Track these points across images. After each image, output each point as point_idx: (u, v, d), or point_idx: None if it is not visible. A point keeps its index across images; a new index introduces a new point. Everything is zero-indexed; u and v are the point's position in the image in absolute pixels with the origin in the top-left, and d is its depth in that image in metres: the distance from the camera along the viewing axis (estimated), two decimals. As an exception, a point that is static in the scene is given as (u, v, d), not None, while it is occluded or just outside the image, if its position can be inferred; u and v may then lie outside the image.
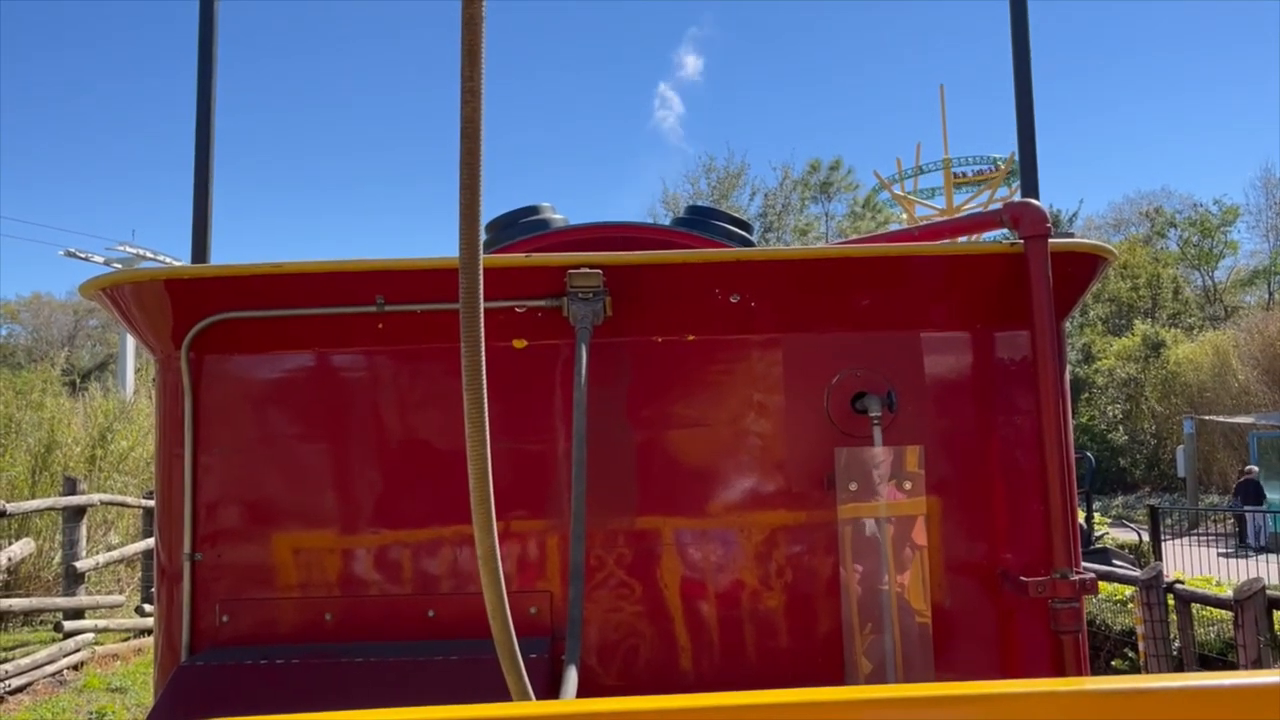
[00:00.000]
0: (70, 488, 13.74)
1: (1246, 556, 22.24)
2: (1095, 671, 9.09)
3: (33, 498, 15.60)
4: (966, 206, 36.17)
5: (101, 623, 13.64)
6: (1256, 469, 30.58)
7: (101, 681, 12.07)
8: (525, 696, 2.12)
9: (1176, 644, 9.29)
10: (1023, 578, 3.15)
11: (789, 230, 51.15)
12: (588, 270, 3.19)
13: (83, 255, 43.54)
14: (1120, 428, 45.35)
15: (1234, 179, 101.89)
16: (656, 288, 3.29)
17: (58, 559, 14.94)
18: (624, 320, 3.29)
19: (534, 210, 4.94)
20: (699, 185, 50.11)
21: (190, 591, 3.31)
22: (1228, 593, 8.88)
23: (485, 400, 1.93)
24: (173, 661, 3.28)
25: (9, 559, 12.52)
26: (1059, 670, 3.14)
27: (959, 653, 3.30)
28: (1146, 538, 18.83)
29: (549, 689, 2.96)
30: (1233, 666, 8.72)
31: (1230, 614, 8.52)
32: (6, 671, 11.15)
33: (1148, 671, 9.14)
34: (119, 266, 38.78)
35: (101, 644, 13.45)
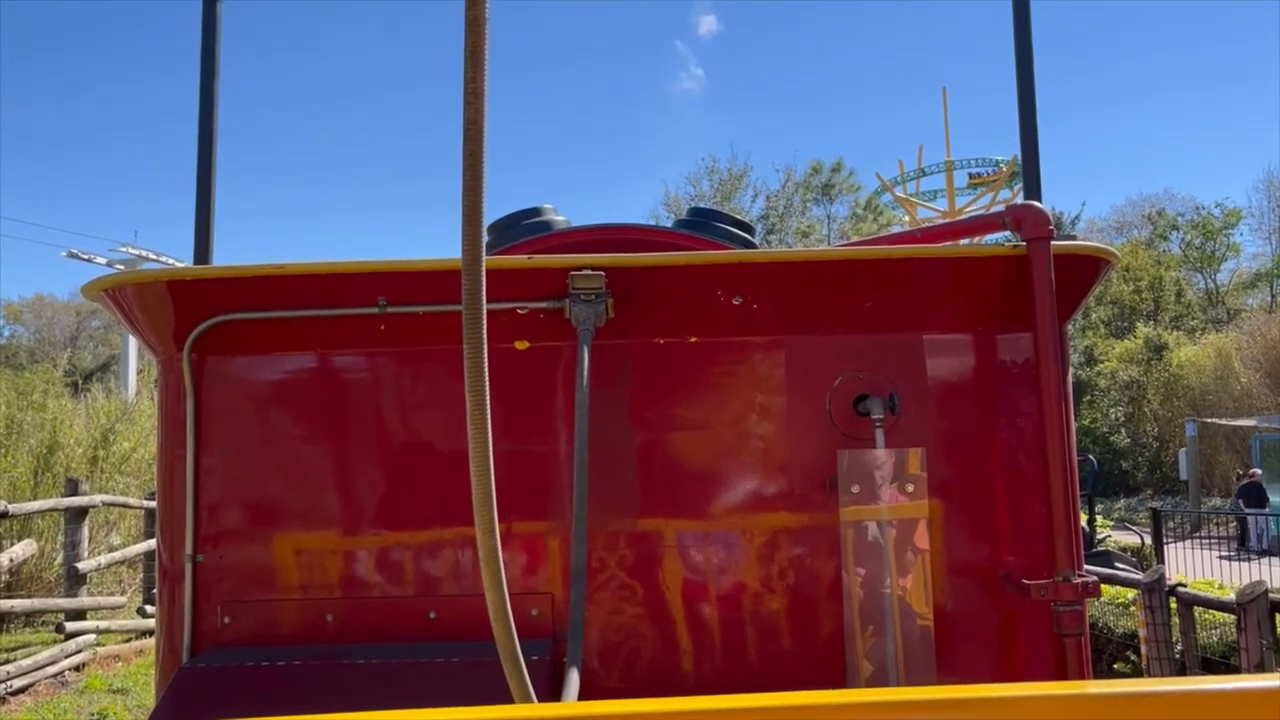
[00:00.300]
0: (72, 489, 13.75)
1: (1249, 559, 22.22)
2: (1097, 675, 9.08)
3: (35, 499, 15.60)
4: (969, 209, 36.18)
5: (103, 624, 13.65)
6: (1259, 471, 30.55)
7: (103, 683, 12.08)
8: (527, 699, 2.12)
9: (1179, 647, 9.27)
10: (1025, 580, 3.15)
11: (791, 232, 51.17)
12: (590, 272, 3.19)
13: (85, 256, 43.58)
14: (1122, 430, 45.35)
15: (1237, 182, 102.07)
16: (659, 289, 3.29)
17: (59, 560, 14.94)
18: (626, 322, 3.29)
19: (536, 212, 4.94)
20: (701, 187, 50.17)
21: (192, 593, 3.31)
22: (1230, 596, 8.86)
23: (488, 402, 1.93)
24: (174, 663, 3.28)
25: (11, 560, 12.53)
26: (1061, 674, 3.14)
27: (961, 656, 3.29)
28: (1149, 541, 18.80)
29: (551, 691, 2.96)
30: (1235, 670, 8.70)
31: (1233, 617, 8.50)
32: (8, 672, 11.15)
33: (1150, 675, 9.13)
34: (121, 268, 38.82)
35: (103, 645, 13.46)
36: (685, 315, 3.34)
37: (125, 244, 43.87)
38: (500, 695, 2.19)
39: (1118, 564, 14.12)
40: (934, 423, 3.37)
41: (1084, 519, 14.49)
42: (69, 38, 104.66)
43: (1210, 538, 26.20)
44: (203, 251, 3.91)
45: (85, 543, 13.81)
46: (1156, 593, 9.23)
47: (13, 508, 12.33)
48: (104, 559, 14.53)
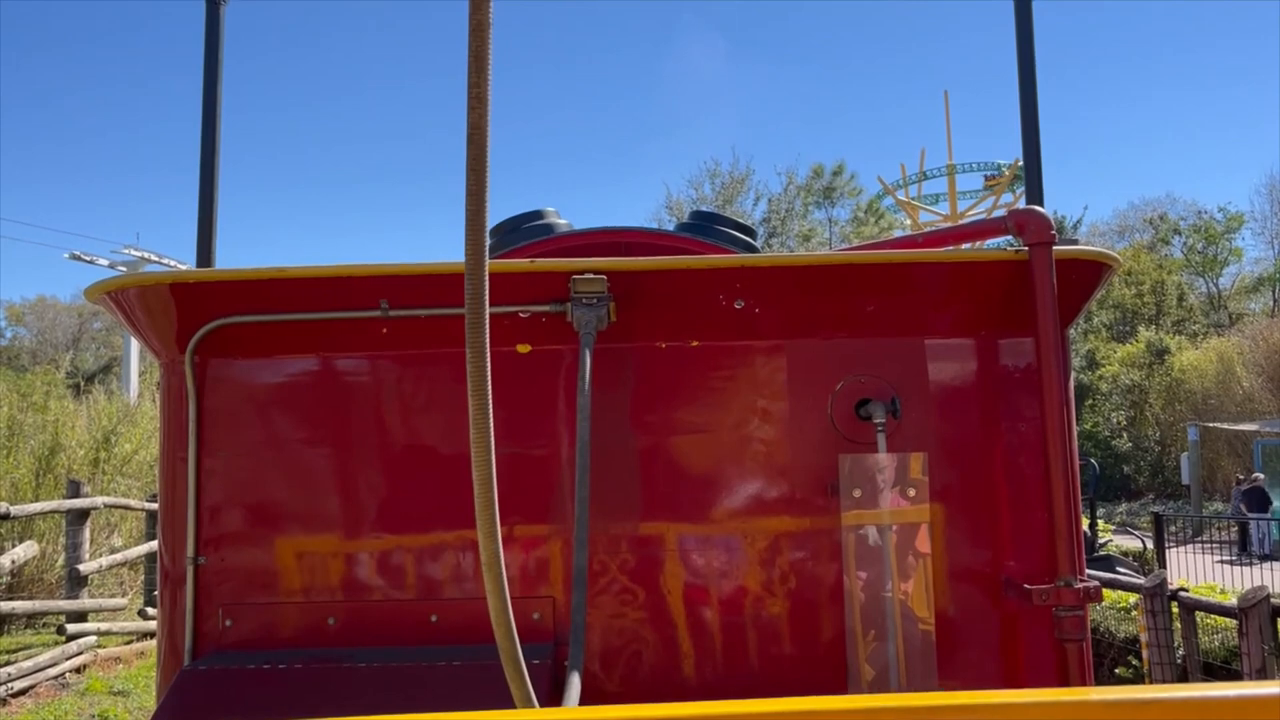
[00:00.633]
0: (74, 490, 13.75)
1: (1251, 564, 22.19)
2: (1099, 679, 9.07)
3: (36, 500, 15.60)
4: (971, 212, 36.17)
5: (104, 626, 13.65)
6: (1262, 476, 30.51)
7: (104, 685, 12.08)
8: (528, 702, 2.12)
9: (1180, 652, 9.26)
10: (1027, 585, 3.15)
11: (793, 236, 51.13)
12: (592, 276, 3.19)
13: (87, 258, 43.59)
14: (1124, 434, 45.29)
15: (1239, 185, 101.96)
16: (661, 293, 3.30)
17: (61, 562, 14.94)
18: (628, 326, 3.29)
19: (538, 215, 4.94)
20: (703, 190, 50.14)
21: (193, 595, 3.31)
22: (1232, 601, 8.85)
23: (490, 405, 1.93)
24: (176, 665, 3.28)
25: (12, 561, 12.52)
26: (1063, 679, 3.13)
27: (962, 660, 3.29)
28: (1150, 545, 18.78)
29: (552, 695, 2.96)
30: (1237, 675, 8.69)
31: (1235, 622, 8.49)
32: (9, 674, 11.15)
33: (1151, 679, 9.12)
34: (123, 270, 38.84)
35: (104, 647, 13.46)
36: (687, 319, 3.34)
37: (127, 246, 43.89)
38: (501, 699, 2.19)
39: (1119, 568, 14.09)
40: (936, 427, 3.37)
41: (1085, 523, 14.48)
42: (72, 40, 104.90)
43: (1212, 542, 26.18)
44: (205, 254, 3.92)
45: (86, 545, 13.81)
46: (1158, 597, 9.21)
47: (14, 509, 12.34)
48: (105, 561, 14.53)
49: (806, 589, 3.32)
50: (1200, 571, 17.65)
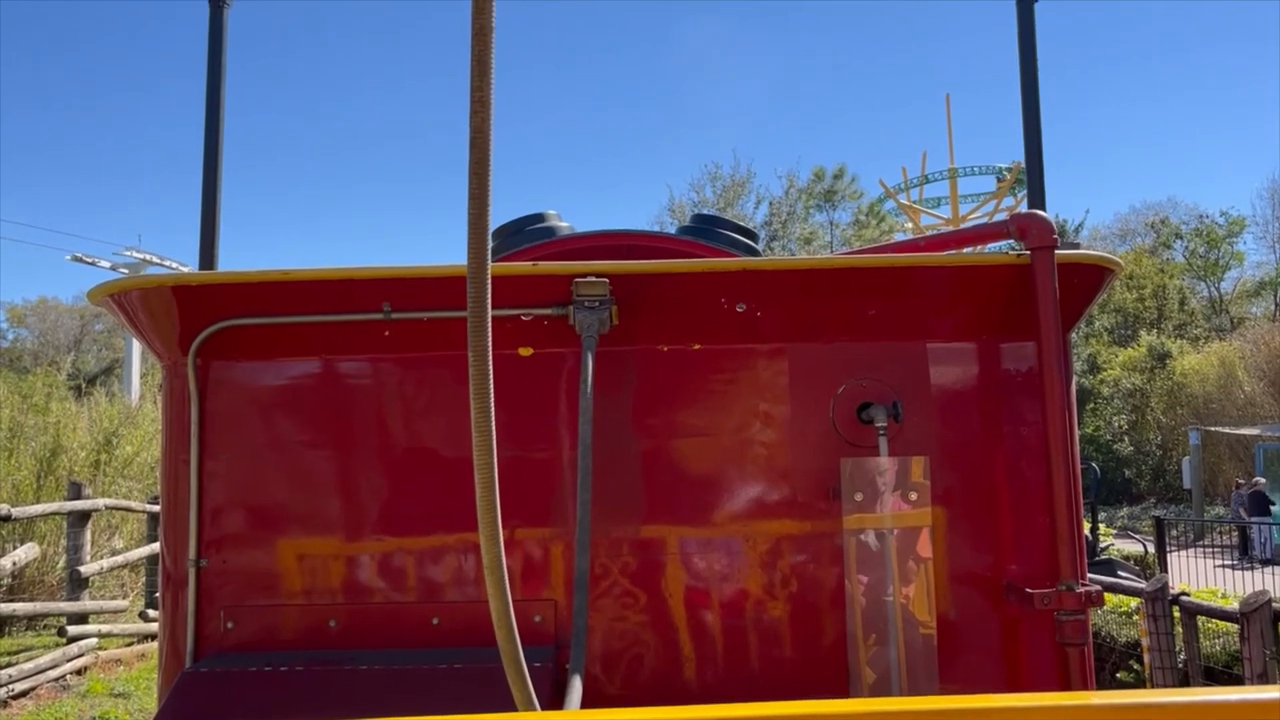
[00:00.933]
0: (75, 492, 13.76)
1: (1252, 568, 22.16)
2: (1100, 684, 9.06)
3: (38, 502, 15.61)
4: (972, 216, 36.18)
5: (105, 627, 13.65)
6: (1263, 480, 30.49)
7: (105, 686, 12.08)
8: (530, 706, 2.12)
9: (1182, 657, 9.24)
10: (1028, 589, 3.15)
11: (794, 239, 51.11)
12: (594, 279, 3.20)
13: (89, 260, 43.64)
14: (1126, 438, 45.26)
15: (1241, 190, 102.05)
16: (662, 297, 3.30)
17: (62, 563, 14.95)
18: (630, 329, 3.29)
19: (540, 218, 4.95)
20: (704, 193, 50.15)
21: (195, 597, 3.31)
22: (1233, 605, 8.84)
23: (492, 409, 1.93)
24: (177, 667, 3.29)
25: (13, 563, 12.53)
26: (1064, 683, 3.13)
27: (964, 665, 3.29)
28: (1152, 549, 18.77)
29: (553, 698, 2.96)
30: (1238, 679, 8.67)
31: (1236, 627, 8.48)
32: (10, 676, 11.15)
33: (1153, 684, 9.11)
34: (125, 272, 38.89)
35: (105, 649, 13.46)
36: (689, 322, 3.35)
37: (129, 248, 43.97)
38: (503, 702, 2.19)
39: (1121, 572, 14.08)
40: (937, 431, 3.37)
41: (1086, 527, 14.47)
42: (74, 42, 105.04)
43: (1213, 546, 26.15)
44: (208, 257, 3.93)
45: (88, 546, 13.82)
46: (1160, 601, 9.21)
47: (15, 511, 12.35)
48: (106, 563, 14.54)
49: (808, 592, 3.32)
50: (1202, 576, 17.63)
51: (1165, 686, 8.79)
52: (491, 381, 1.92)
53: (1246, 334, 47.74)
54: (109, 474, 18.07)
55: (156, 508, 14.44)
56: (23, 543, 14.12)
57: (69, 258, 43.93)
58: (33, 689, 11.63)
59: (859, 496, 3.28)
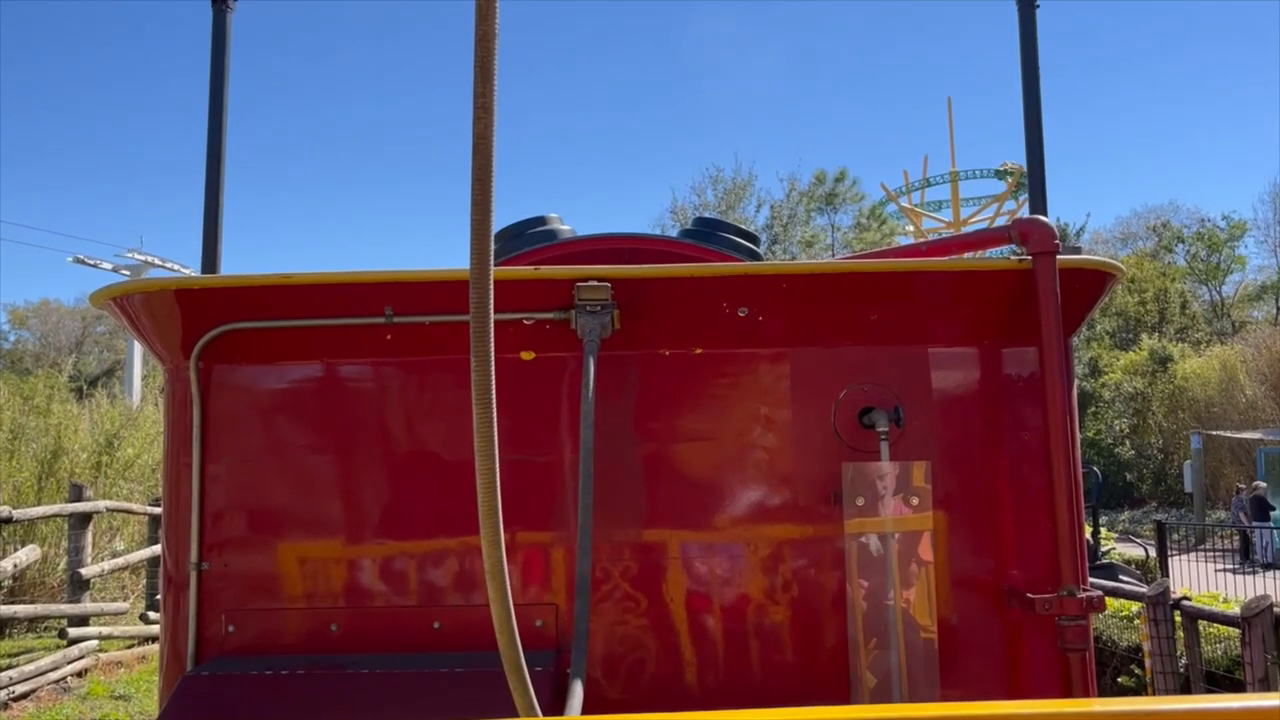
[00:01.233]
0: (76, 494, 13.76)
1: (1253, 572, 22.14)
2: (1101, 689, 9.05)
3: (39, 504, 15.63)
4: (974, 219, 36.18)
5: (106, 630, 13.65)
6: (1264, 485, 30.46)
7: (105, 689, 12.08)
8: (531, 710, 2.12)
9: (1183, 661, 9.23)
10: (1029, 594, 3.15)
11: (795, 242, 51.13)
12: (596, 283, 3.20)
13: (91, 262, 43.68)
14: (1127, 442, 45.24)
15: (1243, 194, 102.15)
16: (665, 300, 3.30)
17: (63, 565, 14.96)
18: (632, 333, 3.30)
19: (541, 221, 4.96)
20: (706, 196, 50.18)
21: (196, 600, 3.31)
22: (1235, 610, 8.83)
23: (494, 413, 1.93)
24: (178, 670, 3.29)
25: (14, 565, 12.53)
26: (1065, 688, 3.13)
27: (965, 670, 3.29)
28: (1153, 553, 18.74)
29: (554, 702, 2.96)
30: (1240, 684, 8.66)
31: (1238, 631, 8.47)
32: (10, 678, 11.15)
33: (1154, 689, 9.10)
34: (127, 274, 38.96)
35: (105, 651, 13.46)
36: (691, 326, 3.35)
37: (131, 250, 44.00)
38: (504, 706, 2.20)
39: (1122, 576, 14.07)
40: (939, 435, 3.37)
41: (1088, 531, 14.46)
42: (76, 43, 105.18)
43: (1215, 550, 26.10)
44: (210, 260, 3.93)
45: (89, 548, 13.82)
46: (1161, 606, 9.20)
47: (17, 513, 12.36)
48: (107, 565, 14.55)
49: (809, 597, 3.32)
50: (1203, 580, 17.59)
51: (1166, 691, 8.78)
52: (493, 386, 1.93)
53: (1248, 338, 47.69)
54: (110, 476, 18.08)
55: (157, 510, 14.45)
56: (24, 545, 14.12)
57: (71, 259, 43.98)
58: (33, 691, 11.63)
59: (860, 501, 3.28)
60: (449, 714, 2.87)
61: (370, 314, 3.27)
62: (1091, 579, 3.48)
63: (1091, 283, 3.40)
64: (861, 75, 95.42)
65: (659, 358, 3.38)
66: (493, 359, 1.92)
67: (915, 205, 38.50)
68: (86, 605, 13.44)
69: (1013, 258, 3.36)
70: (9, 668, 11.58)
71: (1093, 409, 45.79)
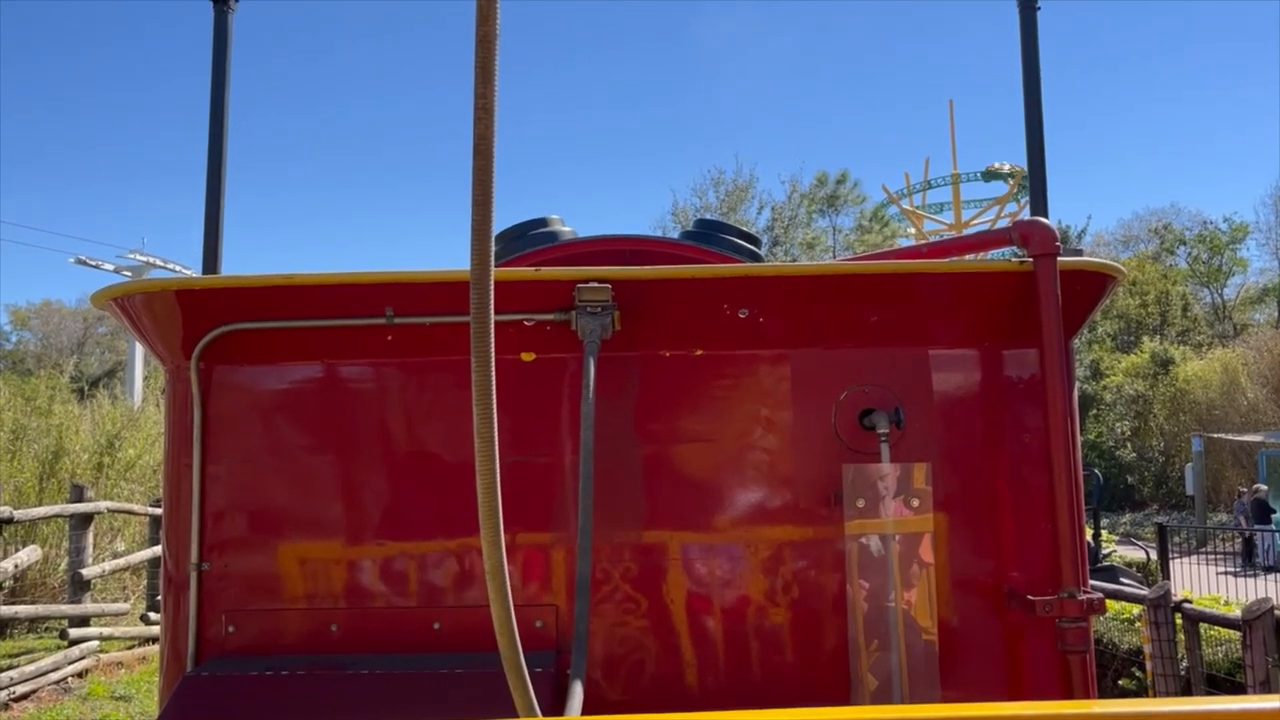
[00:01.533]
0: (77, 495, 13.77)
1: (1255, 575, 22.12)
2: (1102, 691, 9.04)
3: (40, 504, 15.63)
4: (975, 222, 36.18)
5: (106, 630, 13.65)
6: (1265, 488, 30.42)
7: (106, 689, 12.07)
8: (531, 711, 2.12)
9: (1184, 664, 9.22)
10: (1030, 596, 3.14)
11: (796, 244, 51.11)
12: (597, 284, 3.20)
13: (93, 263, 43.75)
14: (1128, 445, 45.20)
15: (1245, 196, 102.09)
16: (665, 302, 3.30)
17: (64, 566, 14.96)
18: (632, 334, 3.30)
19: (542, 222, 4.96)
20: (707, 198, 50.17)
21: (197, 601, 3.31)
22: (1236, 613, 8.82)
23: (495, 414, 1.93)
24: (179, 671, 3.29)
25: (15, 566, 12.53)
26: (1066, 690, 3.13)
27: (965, 671, 3.28)
28: (1154, 556, 18.72)
29: (554, 703, 2.96)
30: (1241, 687, 8.65)
31: (1239, 634, 8.45)
32: (11, 679, 11.15)
33: (1155, 692, 9.09)
34: (129, 274, 38.98)
35: (106, 652, 13.46)
36: (691, 328, 3.35)
37: (133, 251, 44.07)
38: (504, 707, 2.19)
39: (1123, 579, 14.05)
40: (939, 437, 3.37)
41: (1089, 534, 14.44)
42: (76, 42, 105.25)
43: (1216, 553, 26.08)
44: (211, 261, 3.93)
45: (90, 549, 13.82)
46: (1162, 609, 9.18)
47: (18, 513, 12.36)
48: (108, 565, 14.55)
49: (809, 598, 3.32)
50: (1204, 583, 17.58)
51: (1167, 694, 8.77)
52: (494, 386, 1.93)
53: (1250, 340, 47.68)
54: (111, 477, 18.09)
55: (158, 510, 14.45)
56: (25, 545, 14.12)
57: (72, 260, 44.05)
58: (34, 691, 11.63)
59: (861, 503, 3.28)
60: (449, 715, 2.87)
61: (371, 315, 3.28)
62: (1092, 582, 3.47)
63: (1092, 285, 3.40)
64: (863, 76, 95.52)
65: (659, 359, 3.38)
66: (493, 360, 1.92)
67: (917, 208, 38.50)
68: (87, 606, 13.44)
69: (1014, 260, 3.36)
70: (10, 668, 11.58)
71: (1094, 411, 45.76)
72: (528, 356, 3.36)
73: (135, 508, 15.87)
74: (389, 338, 3.32)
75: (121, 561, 15.18)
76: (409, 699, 2.99)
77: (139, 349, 37.98)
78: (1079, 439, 3.38)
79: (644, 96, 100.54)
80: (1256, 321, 57.65)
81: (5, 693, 11.01)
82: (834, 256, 43.29)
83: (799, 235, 52.02)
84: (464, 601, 3.30)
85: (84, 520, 13.62)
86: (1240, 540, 28.06)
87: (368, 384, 3.40)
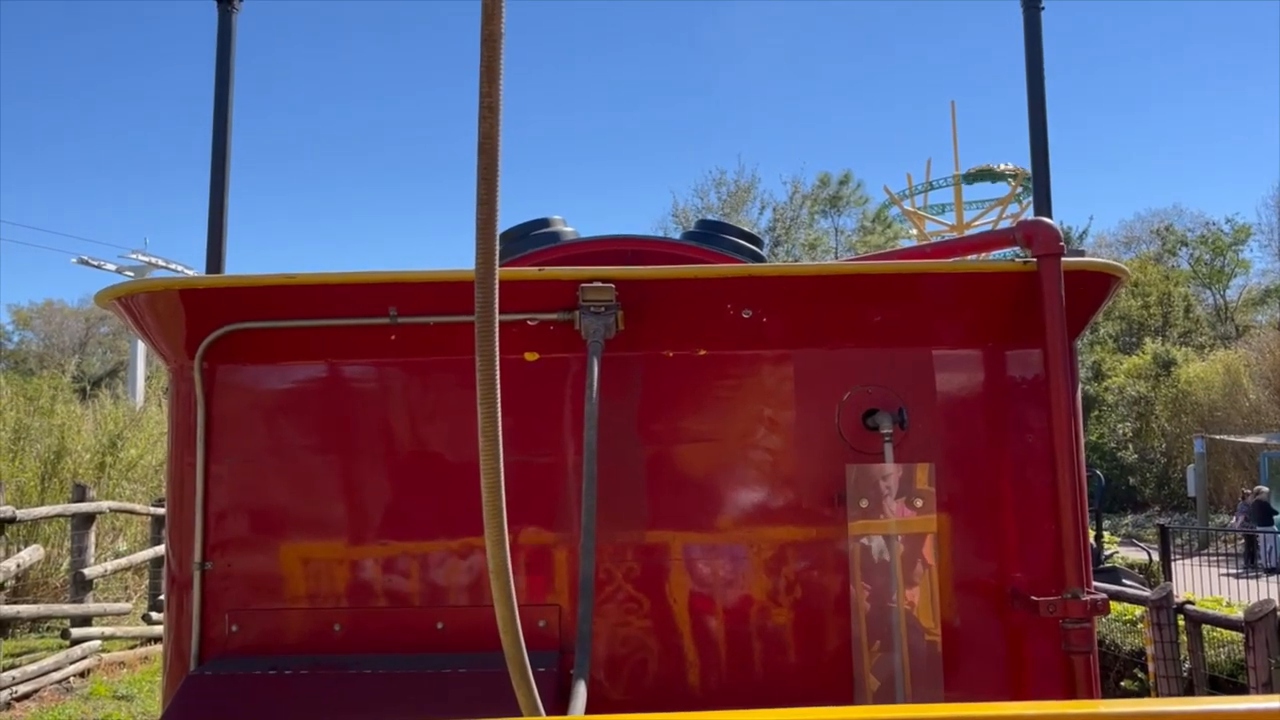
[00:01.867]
0: (79, 495, 13.78)
1: (1257, 577, 22.11)
2: (1105, 692, 9.03)
3: (42, 504, 15.65)
4: (977, 223, 36.16)
5: (109, 630, 13.66)
6: (1267, 489, 30.40)
7: (108, 689, 12.08)
8: (534, 710, 2.12)
9: (1186, 665, 9.21)
10: (1033, 597, 3.14)
11: (798, 245, 51.10)
12: (600, 284, 3.20)
13: (95, 263, 43.79)
14: (1130, 446, 45.16)
15: (1247, 197, 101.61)
16: (668, 302, 3.30)
17: (66, 566, 14.97)
18: (636, 334, 3.30)
19: (545, 222, 4.97)
20: (709, 199, 50.16)
21: (200, 600, 3.32)
22: (1238, 614, 8.81)
23: (499, 413, 1.93)
24: (182, 670, 3.29)
25: (17, 565, 12.54)
26: (1069, 691, 3.12)
27: (968, 672, 3.28)
28: (1156, 557, 18.71)
29: (558, 703, 2.96)
30: (1243, 688, 8.65)
31: (1241, 635, 8.45)
32: (13, 678, 11.16)
33: (1157, 693, 9.08)
34: (131, 274, 39.00)
35: (108, 651, 13.47)
36: (695, 328, 3.35)
37: (135, 251, 44.10)
38: (508, 706, 2.20)
39: (1125, 580, 14.04)
40: (943, 438, 3.37)
41: (1091, 535, 14.42)
42: (78, 41, 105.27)
43: (1218, 555, 26.07)
44: (214, 261, 3.93)
45: (92, 549, 13.84)
46: (1164, 610, 9.18)
47: (20, 513, 12.36)
48: (110, 565, 14.56)
49: (812, 599, 3.32)
50: (1206, 584, 17.58)
51: (1170, 695, 8.76)
52: (498, 386, 1.93)
53: (1252, 342, 47.63)
54: (113, 476, 18.10)
55: (160, 510, 14.47)
56: (27, 545, 14.13)
57: (74, 260, 44.09)
58: (36, 691, 11.64)
59: (864, 503, 3.28)
60: (452, 714, 2.87)
61: (374, 314, 3.28)
62: (1095, 583, 3.47)
63: (1096, 285, 3.40)
64: (864, 76, 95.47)
65: (663, 359, 3.38)
66: (497, 359, 1.92)
67: (918, 208, 38.47)
68: (89, 605, 13.45)
69: (1017, 260, 3.36)
70: (12, 668, 11.58)
71: (1096, 413, 45.74)
72: (531, 356, 3.36)
73: (137, 507, 15.89)
74: (392, 337, 3.33)
75: (123, 561, 15.20)
76: (412, 699, 2.99)
77: (141, 349, 37.99)
78: (1082, 439, 3.38)
79: (645, 97, 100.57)
80: (1259, 323, 57.54)
81: (7, 692, 11.02)
82: (836, 257, 43.27)
83: (801, 236, 52.00)
84: (467, 601, 3.30)
85: (86, 520, 13.63)
86: (1243, 541, 28.03)
87: (371, 384, 3.40)
